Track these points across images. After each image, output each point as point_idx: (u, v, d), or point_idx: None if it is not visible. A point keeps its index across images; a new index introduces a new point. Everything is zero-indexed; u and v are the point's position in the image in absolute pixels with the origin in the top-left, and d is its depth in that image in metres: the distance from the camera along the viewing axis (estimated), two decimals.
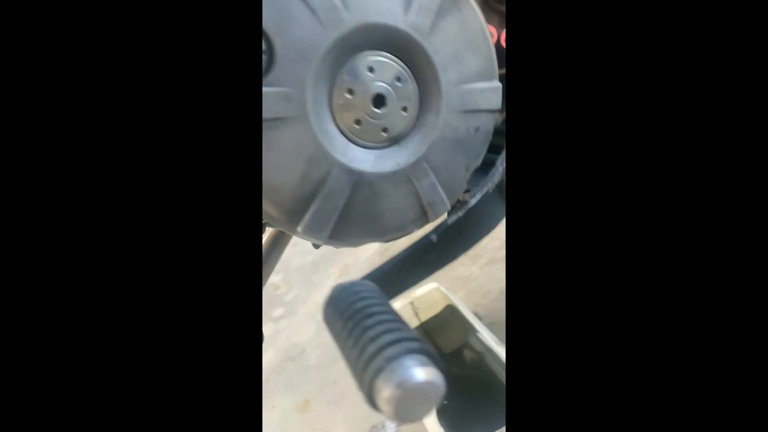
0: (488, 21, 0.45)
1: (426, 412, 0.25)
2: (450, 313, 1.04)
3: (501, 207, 0.47)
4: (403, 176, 0.36)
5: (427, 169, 0.37)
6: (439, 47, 0.35)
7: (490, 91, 0.37)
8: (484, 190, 0.57)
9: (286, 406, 1.14)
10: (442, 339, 1.06)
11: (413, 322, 1.04)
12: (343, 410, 1.06)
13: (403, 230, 0.39)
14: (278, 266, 1.96)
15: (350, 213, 0.36)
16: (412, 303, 1.02)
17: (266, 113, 0.32)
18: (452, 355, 1.06)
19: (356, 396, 1.06)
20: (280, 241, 0.85)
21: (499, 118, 0.39)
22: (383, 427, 0.99)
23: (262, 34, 0.31)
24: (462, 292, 1.19)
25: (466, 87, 0.36)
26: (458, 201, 0.58)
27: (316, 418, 1.07)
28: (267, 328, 1.49)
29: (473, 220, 0.43)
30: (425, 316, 1.05)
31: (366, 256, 1.59)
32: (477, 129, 0.38)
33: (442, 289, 1.00)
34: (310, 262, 1.72)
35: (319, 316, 1.42)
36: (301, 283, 1.63)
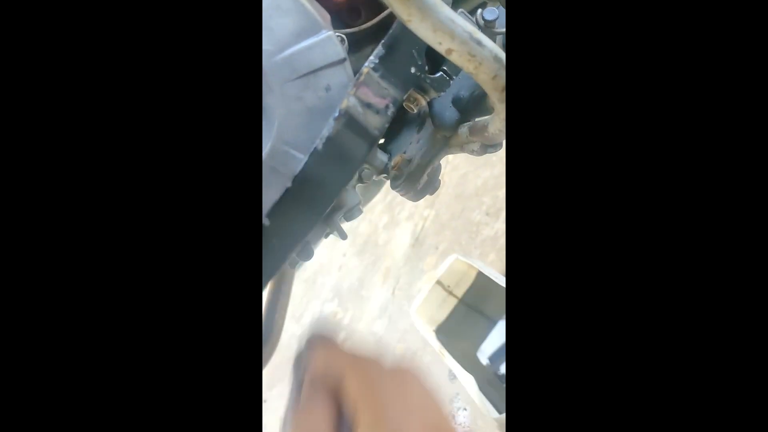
0: None
1: None
2: (484, 280, 0.98)
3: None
4: (268, 168, 0.34)
5: (288, 151, 0.34)
6: None
7: (319, 46, 0.34)
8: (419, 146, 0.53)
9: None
10: (489, 308, 1.01)
11: (450, 302, 0.99)
12: None
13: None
14: (332, 293, 2.00)
15: None
16: (440, 282, 0.98)
17: None
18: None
19: None
20: (283, 278, 0.85)
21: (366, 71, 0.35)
22: (453, 417, 0.95)
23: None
24: (492, 253, 1.12)
25: (288, 52, 0.33)
26: (398, 161, 0.55)
27: None
28: None
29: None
30: (461, 291, 1.00)
31: (402, 252, 1.57)
32: (328, 88, 0.35)
33: (462, 258, 0.95)
34: (357, 279, 1.72)
35: (375, 327, 1.41)
36: (353, 302, 1.63)
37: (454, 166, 1.65)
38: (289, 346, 1.71)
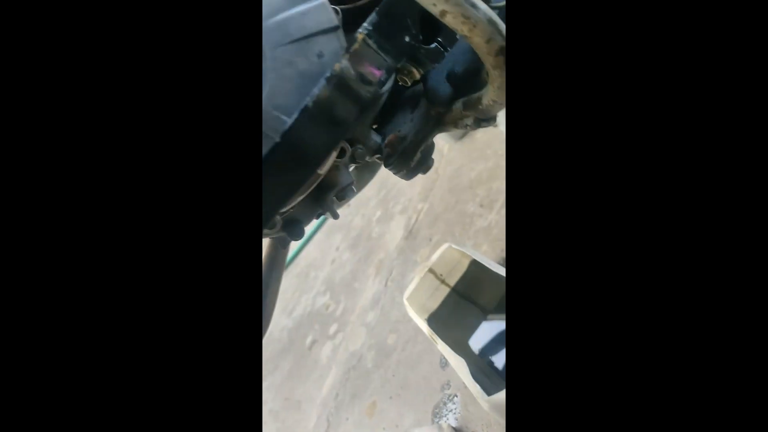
0: None
1: None
2: (477, 268, 0.98)
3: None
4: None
5: (278, 116, 0.34)
6: None
7: (312, 12, 0.34)
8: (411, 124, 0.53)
9: (357, 414, 1.12)
10: (482, 297, 1.01)
11: (442, 290, 0.99)
12: (404, 401, 1.03)
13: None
14: (324, 285, 2.00)
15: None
16: (432, 270, 0.97)
17: None
18: (499, 308, 1.00)
19: (413, 382, 1.03)
20: (277, 257, 0.84)
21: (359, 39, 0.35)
22: (444, 404, 0.95)
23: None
24: (485, 244, 1.13)
25: (281, 17, 0.33)
26: (392, 139, 0.54)
27: (384, 416, 1.04)
28: (327, 348, 1.49)
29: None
30: (453, 280, 1.00)
31: (395, 245, 1.56)
32: (320, 55, 0.35)
33: (455, 246, 0.95)
34: (350, 272, 1.72)
35: (368, 318, 1.41)
36: (345, 294, 1.63)
37: (449, 159, 1.65)
38: (279, 340, 1.72)
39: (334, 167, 0.50)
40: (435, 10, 0.29)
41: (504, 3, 0.42)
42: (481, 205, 1.26)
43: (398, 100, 0.61)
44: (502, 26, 0.30)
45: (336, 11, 0.42)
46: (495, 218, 1.15)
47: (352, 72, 0.32)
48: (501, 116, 1.23)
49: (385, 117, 0.63)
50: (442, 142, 1.76)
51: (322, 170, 0.36)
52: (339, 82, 0.32)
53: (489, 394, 0.72)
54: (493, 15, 0.30)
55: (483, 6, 0.29)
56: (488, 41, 0.30)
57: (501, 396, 0.71)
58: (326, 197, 0.55)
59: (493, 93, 0.36)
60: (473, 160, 1.49)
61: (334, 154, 0.35)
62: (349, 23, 0.44)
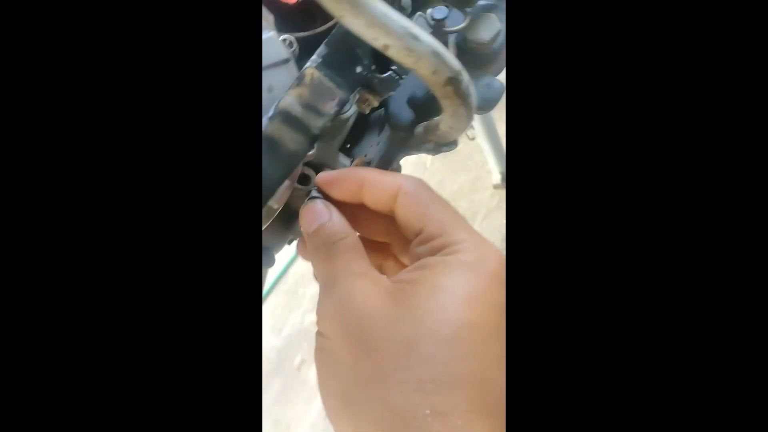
0: None
1: None
2: None
3: None
4: None
5: None
6: None
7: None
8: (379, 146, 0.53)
9: None
10: None
11: None
12: None
13: None
14: (312, 302, 1.98)
15: None
16: None
17: None
18: None
19: None
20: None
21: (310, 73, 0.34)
22: None
23: None
24: None
25: None
26: (358, 164, 0.54)
27: None
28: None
29: None
30: None
31: None
32: (270, 89, 0.34)
33: None
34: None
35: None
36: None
37: (431, 172, 1.65)
38: (269, 360, 1.70)
39: (303, 194, 0.49)
40: (378, 45, 0.28)
41: (463, 25, 0.42)
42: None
43: (367, 120, 0.61)
44: (448, 56, 0.30)
45: (291, 42, 0.41)
46: (478, 230, 1.15)
47: (298, 108, 0.32)
48: (478, 129, 1.24)
49: (354, 138, 0.62)
50: (424, 155, 1.77)
51: (278, 203, 0.35)
52: (285, 117, 0.32)
53: None
54: (438, 46, 0.29)
55: (427, 38, 0.29)
56: (434, 73, 0.30)
57: None
58: (296, 223, 0.55)
59: (448, 120, 0.36)
60: (455, 172, 1.49)
61: (287, 183, 0.34)
62: (307, 49, 0.43)
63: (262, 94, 0.33)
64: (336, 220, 0.32)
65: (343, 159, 0.57)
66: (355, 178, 0.33)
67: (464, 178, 1.42)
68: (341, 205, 0.33)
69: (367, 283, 0.29)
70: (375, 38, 0.28)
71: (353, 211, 0.33)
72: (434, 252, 0.29)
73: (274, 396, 1.62)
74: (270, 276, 2.37)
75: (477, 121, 1.12)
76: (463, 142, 1.66)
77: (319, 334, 0.30)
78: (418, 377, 0.24)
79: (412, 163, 1.77)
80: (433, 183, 1.59)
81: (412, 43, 0.28)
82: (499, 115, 1.48)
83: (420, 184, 0.32)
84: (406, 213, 0.31)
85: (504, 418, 0.24)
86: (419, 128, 0.46)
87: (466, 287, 0.27)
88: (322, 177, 0.34)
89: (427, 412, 0.24)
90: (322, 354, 0.29)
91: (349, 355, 0.27)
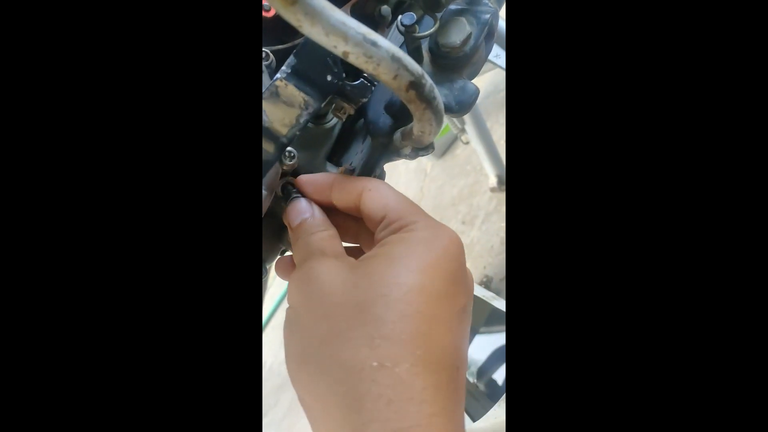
0: None
1: None
2: None
3: None
4: None
5: None
6: None
7: None
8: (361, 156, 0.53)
9: None
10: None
11: None
12: None
13: None
14: None
15: None
16: None
17: None
18: (486, 325, 0.99)
19: None
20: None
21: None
22: None
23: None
24: (468, 261, 1.12)
25: None
26: (342, 171, 0.55)
27: None
28: None
29: None
30: None
31: None
32: None
33: None
34: None
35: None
36: None
37: (431, 177, 1.66)
38: (279, 373, 1.70)
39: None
40: (338, 52, 0.29)
41: (433, 30, 0.42)
42: (463, 222, 1.26)
43: (352, 129, 0.61)
44: (408, 61, 0.30)
45: (266, 54, 0.42)
46: (476, 235, 1.15)
47: (266, 116, 0.32)
48: (471, 133, 1.24)
49: (341, 147, 0.63)
50: (425, 160, 1.77)
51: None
52: None
53: (472, 418, 0.71)
54: (397, 51, 0.30)
55: (385, 44, 0.29)
56: (395, 78, 0.30)
57: (487, 422, 0.69)
58: (286, 234, 0.55)
59: (418, 124, 0.36)
60: (454, 177, 1.49)
61: (266, 194, 0.35)
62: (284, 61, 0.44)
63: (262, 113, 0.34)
64: (317, 215, 0.37)
65: (330, 168, 0.58)
66: (325, 179, 0.38)
67: (463, 182, 1.42)
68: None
69: (332, 260, 0.32)
70: (334, 46, 0.28)
71: (329, 215, 0.38)
72: (394, 233, 0.32)
73: (285, 409, 1.62)
74: (278, 291, 2.37)
75: (470, 125, 1.12)
76: (459, 148, 1.66)
77: (288, 307, 0.32)
78: (368, 334, 0.26)
79: (412, 170, 1.77)
80: (433, 188, 1.59)
81: (370, 49, 0.28)
82: (495, 119, 1.48)
83: (382, 183, 0.36)
84: (370, 206, 0.34)
85: (448, 374, 0.27)
86: (397, 134, 0.46)
87: (419, 258, 0.29)
88: (300, 178, 0.39)
89: (375, 364, 0.25)
90: (288, 324, 0.32)
91: (309, 318, 0.29)
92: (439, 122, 0.36)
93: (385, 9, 0.54)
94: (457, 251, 0.31)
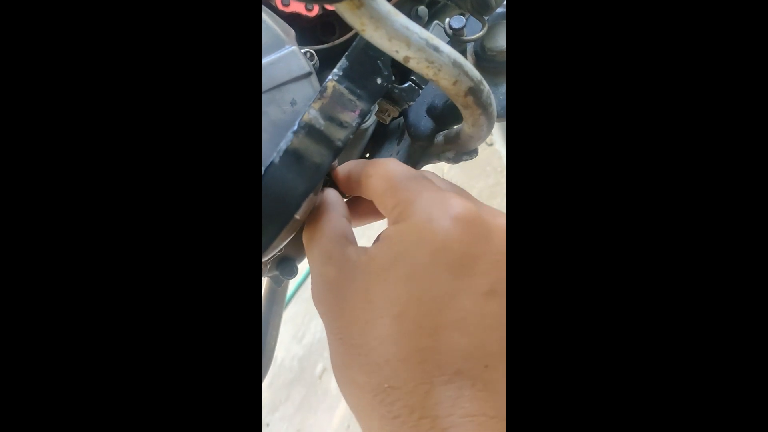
0: None
1: None
2: None
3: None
4: None
5: None
6: None
7: (282, 61, 0.34)
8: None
9: None
10: None
11: None
12: None
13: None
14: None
15: None
16: None
17: None
18: None
19: None
20: (276, 293, 0.84)
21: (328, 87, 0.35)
22: None
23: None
24: None
25: None
26: None
27: None
28: None
29: None
30: None
31: None
32: (293, 102, 0.35)
33: None
34: None
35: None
36: None
37: (449, 178, 1.65)
38: (291, 369, 1.70)
39: None
40: (399, 57, 0.29)
41: (482, 33, 0.42)
42: None
43: (386, 129, 0.61)
44: (468, 66, 0.30)
45: (311, 55, 0.42)
46: None
47: (321, 121, 0.32)
48: (497, 136, 1.24)
49: (373, 147, 0.63)
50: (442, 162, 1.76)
51: (302, 215, 0.36)
52: (309, 131, 0.32)
53: None
54: (458, 56, 0.29)
55: (447, 49, 0.29)
56: (455, 83, 0.30)
57: None
58: None
59: (469, 129, 0.36)
60: (473, 178, 1.48)
61: (312, 197, 0.35)
62: (327, 60, 0.44)
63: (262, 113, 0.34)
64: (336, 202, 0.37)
65: None
66: (358, 171, 0.36)
67: (483, 183, 1.41)
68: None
69: (333, 267, 0.32)
70: (396, 51, 0.28)
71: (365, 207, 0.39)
72: (394, 222, 0.31)
73: (297, 405, 1.63)
74: (290, 285, 2.38)
75: (495, 126, 1.11)
76: (481, 148, 1.65)
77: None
78: (374, 360, 0.27)
79: (429, 170, 1.77)
80: None
81: (432, 54, 0.28)
82: None
83: (381, 165, 0.34)
84: (371, 195, 0.34)
85: (471, 377, 0.25)
86: (439, 137, 0.46)
87: (407, 264, 0.28)
88: (336, 169, 0.38)
89: (386, 386, 0.26)
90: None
91: (330, 336, 0.30)
92: (491, 128, 0.36)
93: (422, 9, 0.54)
94: (459, 234, 0.28)
